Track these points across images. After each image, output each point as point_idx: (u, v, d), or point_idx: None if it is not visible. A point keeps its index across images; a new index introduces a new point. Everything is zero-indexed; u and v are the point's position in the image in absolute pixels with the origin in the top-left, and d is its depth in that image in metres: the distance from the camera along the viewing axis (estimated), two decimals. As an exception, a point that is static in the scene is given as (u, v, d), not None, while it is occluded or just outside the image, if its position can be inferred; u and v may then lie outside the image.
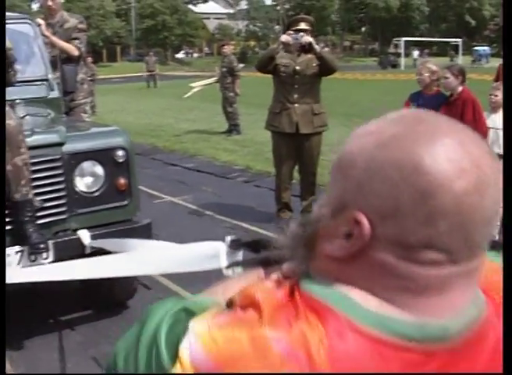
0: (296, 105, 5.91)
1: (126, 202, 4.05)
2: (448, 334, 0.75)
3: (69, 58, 5.63)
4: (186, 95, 15.35)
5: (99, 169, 3.97)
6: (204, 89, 15.55)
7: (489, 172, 0.73)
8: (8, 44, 3.99)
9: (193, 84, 15.39)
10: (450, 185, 0.72)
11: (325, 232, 0.79)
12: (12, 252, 3.55)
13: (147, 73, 31.99)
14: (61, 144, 3.84)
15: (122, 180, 4.00)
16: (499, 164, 0.77)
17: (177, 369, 0.73)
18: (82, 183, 3.92)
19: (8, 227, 3.58)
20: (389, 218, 0.73)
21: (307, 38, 5.79)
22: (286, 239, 0.84)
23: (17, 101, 4.37)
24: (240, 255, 1.03)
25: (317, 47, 5.89)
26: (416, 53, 51.54)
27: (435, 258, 0.74)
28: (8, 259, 3.51)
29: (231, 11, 74.32)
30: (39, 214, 3.70)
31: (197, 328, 0.75)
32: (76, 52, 5.80)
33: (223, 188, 8.19)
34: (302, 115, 5.92)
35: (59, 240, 3.74)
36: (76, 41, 5.79)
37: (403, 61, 50.14)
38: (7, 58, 3.98)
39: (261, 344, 0.71)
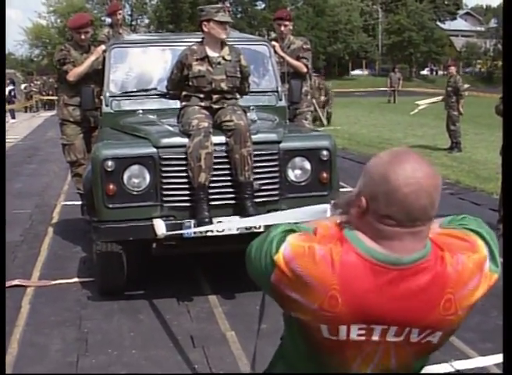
0: None
1: (326, 193, 4.88)
2: (400, 262, 1.46)
3: (296, 74, 6.70)
4: (413, 112, 15.89)
5: (307, 164, 4.91)
6: (432, 107, 15.96)
7: (424, 185, 1.44)
8: (243, 62, 5.11)
9: (419, 102, 15.85)
10: (400, 189, 1.43)
11: (352, 204, 1.55)
12: (235, 219, 4.67)
13: (390, 89, 32.62)
14: (278, 142, 4.85)
15: (324, 175, 4.89)
16: (435, 180, 1.48)
17: (277, 257, 1.51)
18: (292, 174, 4.90)
19: (230, 202, 4.72)
20: (373, 200, 1.47)
21: None
22: (343, 205, 1.66)
23: (251, 107, 5.50)
24: (337, 212, 1.87)
25: None
26: None
27: (391, 223, 1.46)
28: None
29: (480, 29, 72.08)
30: (257, 194, 4.77)
31: (290, 239, 1.53)
32: (304, 69, 6.88)
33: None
34: None
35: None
36: (304, 60, 6.86)
37: None
38: (243, 73, 5.10)
39: (311, 250, 1.48)
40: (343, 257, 1.47)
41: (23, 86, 34.48)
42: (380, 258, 1.47)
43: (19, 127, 22.58)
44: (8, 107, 26.94)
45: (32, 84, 34.22)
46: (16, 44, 63.35)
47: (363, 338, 1.52)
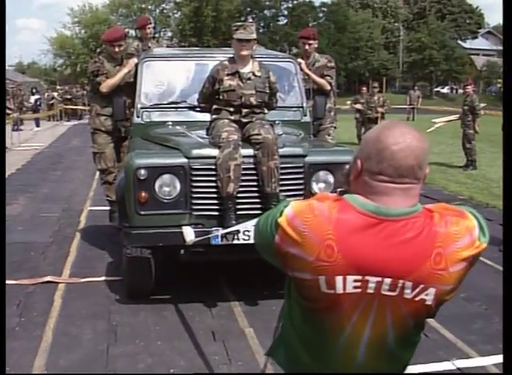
0: None
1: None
2: (390, 213, 1.63)
3: (319, 91, 6.91)
4: (429, 130, 15.95)
5: (330, 178, 5.08)
6: (449, 125, 16.05)
7: (412, 146, 1.63)
8: (272, 78, 5.33)
9: (435, 120, 15.95)
10: (390, 147, 1.63)
11: (351, 169, 1.76)
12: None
13: (409, 106, 32.73)
14: (304, 156, 5.06)
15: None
16: (422, 144, 1.65)
17: (281, 219, 1.67)
18: (316, 187, 5.07)
19: (257, 212, 4.86)
20: (367, 160, 1.67)
21: None
22: (344, 177, 1.86)
23: (277, 121, 5.71)
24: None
25: None
26: None
27: (382, 179, 1.65)
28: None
29: (501, 48, 71.53)
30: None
31: (293, 203, 1.71)
32: (328, 87, 7.11)
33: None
34: None
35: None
36: (328, 78, 7.09)
37: None
38: (272, 89, 5.32)
39: (311, 206, 1.66)
40: (339, 210, 1.65)
41: (45, 95, 34.91)
42: (372, 209, 1.63)
43: (43, 135, 22.96)
44: (33, 115, 27.45)
45: (56, 94, 34.56)
46: (40, 53, 64.21)
47: (359, 291, 1.64)
